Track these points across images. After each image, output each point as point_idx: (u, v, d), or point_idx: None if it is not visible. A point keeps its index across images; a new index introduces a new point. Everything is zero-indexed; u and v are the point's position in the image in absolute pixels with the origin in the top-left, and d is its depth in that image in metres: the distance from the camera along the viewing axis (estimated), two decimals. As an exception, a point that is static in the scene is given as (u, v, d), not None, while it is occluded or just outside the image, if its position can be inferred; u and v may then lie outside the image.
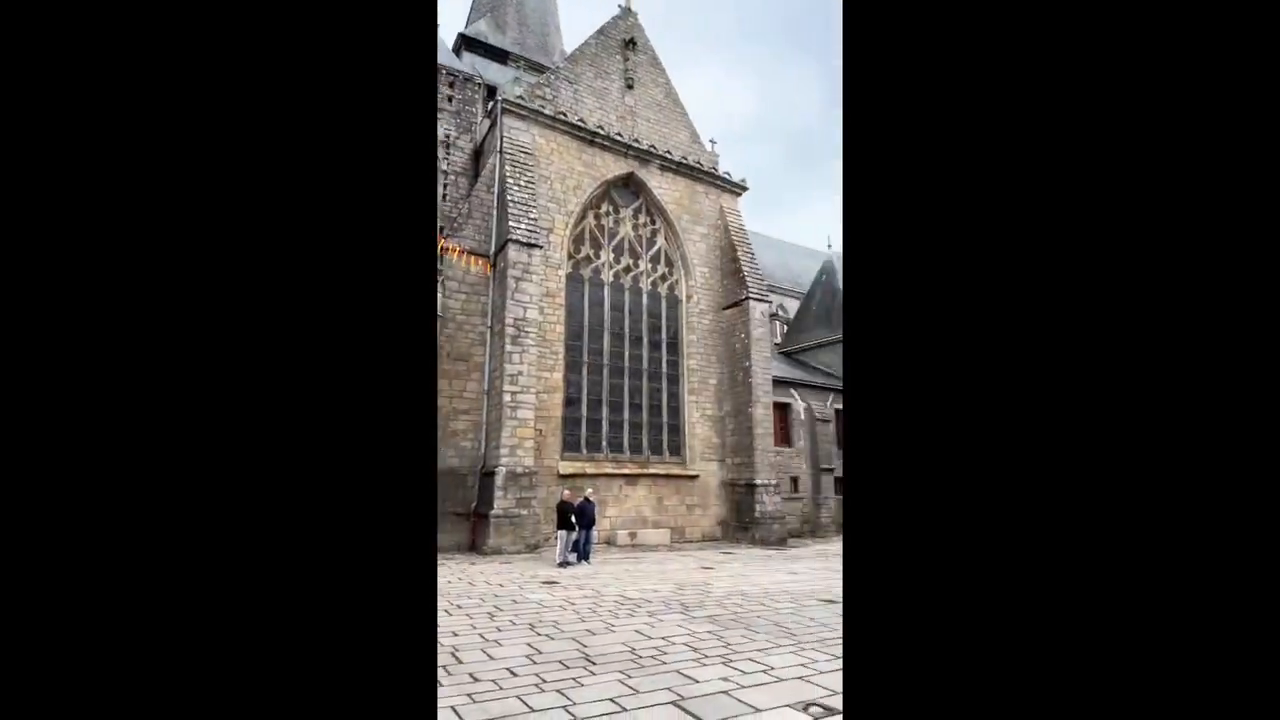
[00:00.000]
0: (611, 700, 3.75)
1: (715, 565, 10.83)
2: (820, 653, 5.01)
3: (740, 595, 7.77)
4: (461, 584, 8.26)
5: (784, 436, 19.45)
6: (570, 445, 14.15)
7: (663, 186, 16.76)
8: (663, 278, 16.58)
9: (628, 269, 16.00)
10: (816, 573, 10.23)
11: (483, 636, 5.40)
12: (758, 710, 3.67)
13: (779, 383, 18.78)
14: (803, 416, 20.26)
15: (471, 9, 25.84)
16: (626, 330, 15.59)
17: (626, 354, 15.44)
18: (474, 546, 12.22)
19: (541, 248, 13.62)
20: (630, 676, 4.26)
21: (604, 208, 16.01)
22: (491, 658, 4.72)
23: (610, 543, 13.69)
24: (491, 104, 16.13)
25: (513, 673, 4.32)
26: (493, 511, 11.78)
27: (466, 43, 21.81)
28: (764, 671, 4.44)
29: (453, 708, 3.56)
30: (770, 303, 20.19)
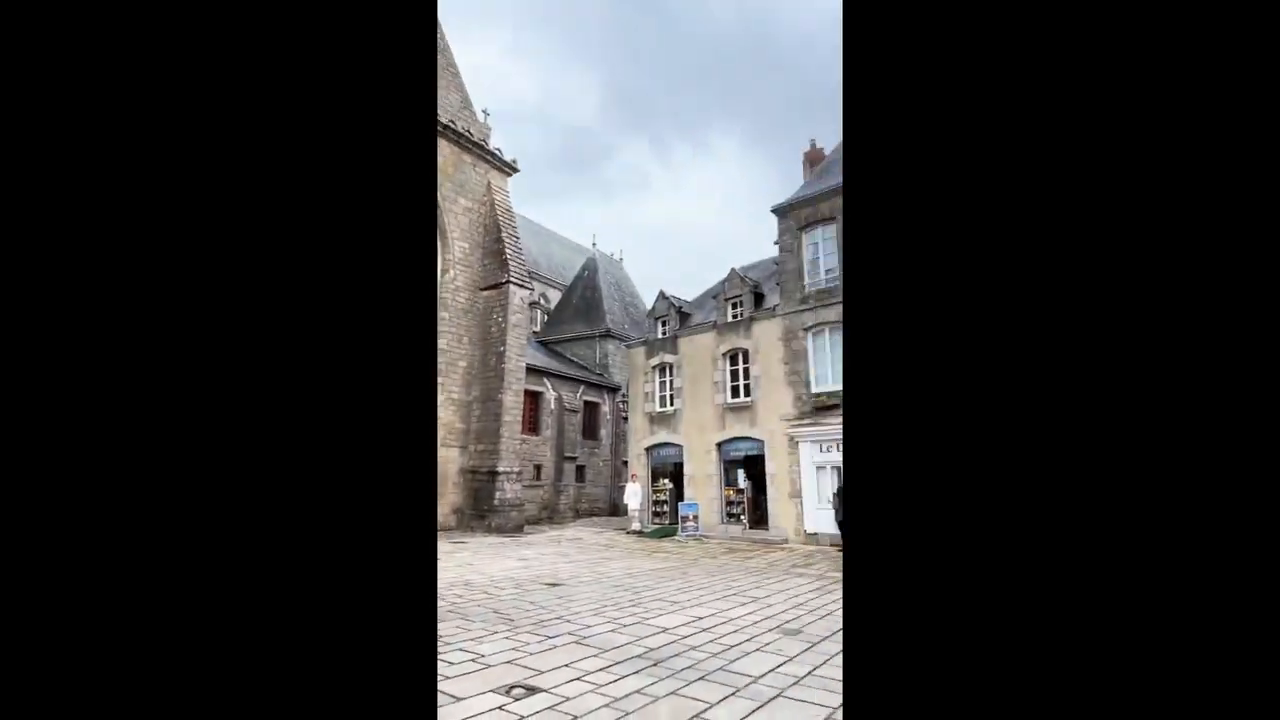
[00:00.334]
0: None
1: (443, 556, 10.32)
2: (533, 635, 5.01)
3: (464, 585, 7.51)
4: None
5: (532, 425, 19.55)
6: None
7: (428, 149, 15.56)
8: (418, 247, 15.39)
9: (378, 231, 14.48)
10: (546, 558, 10.40)
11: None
12: (457, 699, 3.50)
13: (533, 371, 18.80)
14: (553, 406, 20.62)
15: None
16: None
17: (367, 325, 13.94)
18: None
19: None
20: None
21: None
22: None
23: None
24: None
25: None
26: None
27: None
28: (473, 660, 4.28)
29: None
30: (532, 289, 20.13)
